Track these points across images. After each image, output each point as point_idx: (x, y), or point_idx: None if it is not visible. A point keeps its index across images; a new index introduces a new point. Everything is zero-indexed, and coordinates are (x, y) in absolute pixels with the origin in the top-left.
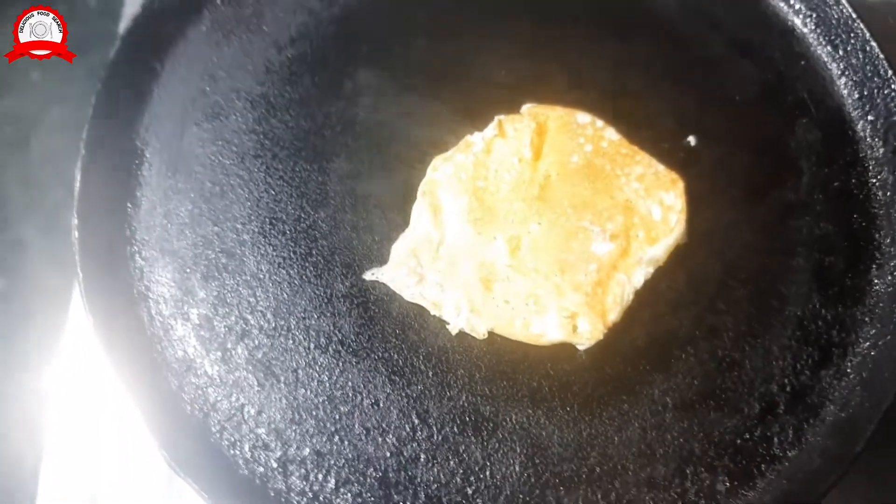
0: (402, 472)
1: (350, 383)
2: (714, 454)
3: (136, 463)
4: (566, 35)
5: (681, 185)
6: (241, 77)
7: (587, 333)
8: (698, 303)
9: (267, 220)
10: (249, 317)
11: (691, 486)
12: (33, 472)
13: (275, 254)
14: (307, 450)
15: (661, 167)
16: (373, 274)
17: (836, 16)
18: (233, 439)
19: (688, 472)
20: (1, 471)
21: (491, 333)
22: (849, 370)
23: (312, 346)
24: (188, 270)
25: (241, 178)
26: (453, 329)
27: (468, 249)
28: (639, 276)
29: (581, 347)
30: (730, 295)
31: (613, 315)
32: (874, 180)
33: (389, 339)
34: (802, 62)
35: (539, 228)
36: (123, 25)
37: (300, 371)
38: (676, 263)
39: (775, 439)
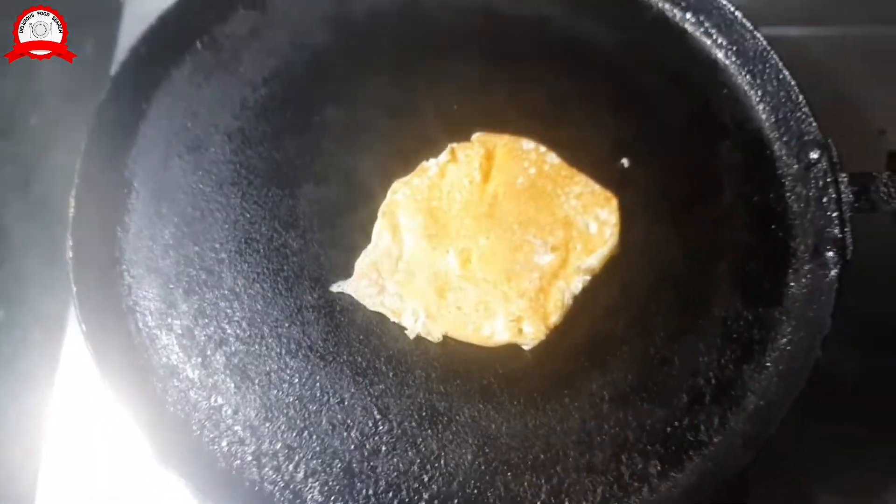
0: (365, 463)
1: (318, 384)
2: (647, 441)
3: (130, 466)
4: (513, 72)
5: (615, 202)
6: (220, 113)
7: (531, 334)
8: (632, 307)
9: (243, 240)
10: (227, 326)
11: (626, 470)
12: (31, 485)
13: (250, 270)
14: (279, 444)
15: (597, 187)
16: (338, 286)
17: (752, 48)
18: (212, 436)
19: (623, 457)
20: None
21: (445, 337)
22: (768, 363)
23: (284, 351)
24: (171, 286)
25: (220, 203)
26: (411, 334)
27: (424, 262)
28: (577, 283)
29: (526, 347)
30: (660, 299)
31: (555, 318)
32: (790, 194)
33: (354, 344)
34: (725, 90)
35: (487, 242)
36: (114, 69)
37: (273, 374)
38: (611, 272)
39: (702, 427)
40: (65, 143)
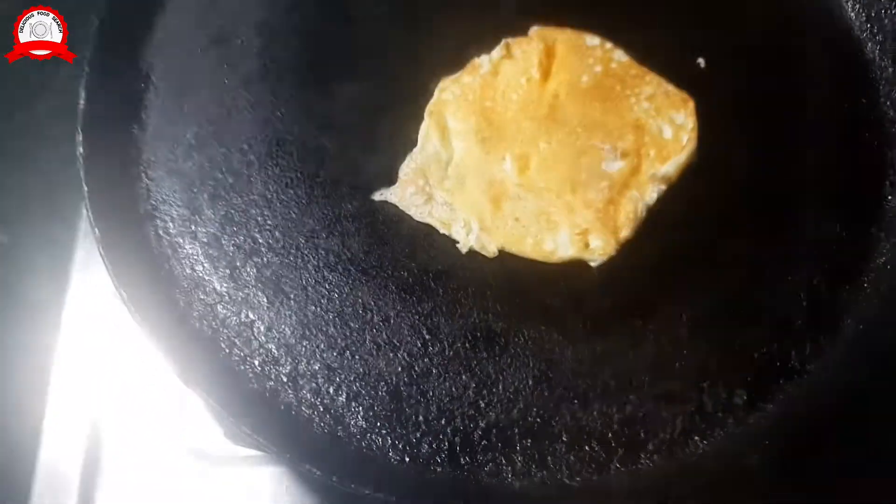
0: (414, 387)
1: (360, 300)
2: (731, 369)
3: (148, 389)
4: None
5: (691, 104)
6: (249, 3)
7: (599, 249)
8: (711, 220)
9: (274, 141)
10: (258, 235)
11: (708, 400)
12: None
13: (282, 174)
14: (318, 365)
15: (671, 87)
16: (381, 194)
17: None
18: (242, 354)
19: (704, 386)
20: (6, 424)
21: (501, 251)
22: (865, 285)
23: (322, 264)
24: (195, 190)
25: (248, 100)
26: (463, 247)
27: (476, 168)
28: (651, 193)
29: (593, 264)
30: (743, 212)
31: (626, 231)
32: (884, 100)
33: (399, 258)
34: None
35: (548, 147)
36: None
37: (310, 289)
38: (688, 182)
39: (793, 353)
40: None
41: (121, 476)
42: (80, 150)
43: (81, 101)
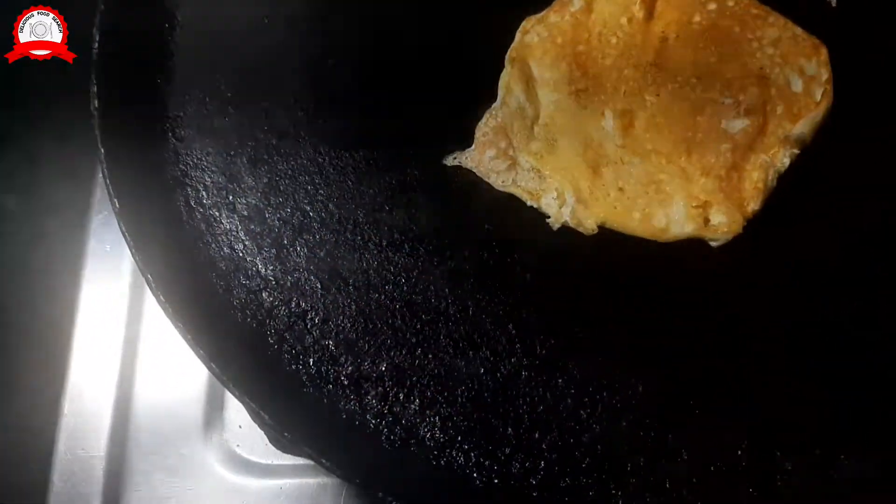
0: (500, 393)
1: (432, 287)
2: None
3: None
4: None
5: (824, 51)
6: None
7: (723, 226)
8: (853, 187)
9: (326, 92)
10: (308, 208)
11: None
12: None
13: (335, 134)
14: (384, 365)
15: (799, 31)
16: (455, 158)
17: None
18: (294, 352)
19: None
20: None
21: (601, 228)
22: None
23: (385, 243)
24: (232, 153)
25: (294, 42)
26: (555, 223)
27: (570, 126)
28: (783, 157)
29: (715, 244)
30: (891, 182)
31: (754, 204)
32: None
33: (477, 236)
34: None
35: (657, 101)
36: None
37: (371, 272)
38: (824, 143)
39: None
40: None
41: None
42: (95, 104)
43: (95, 45)
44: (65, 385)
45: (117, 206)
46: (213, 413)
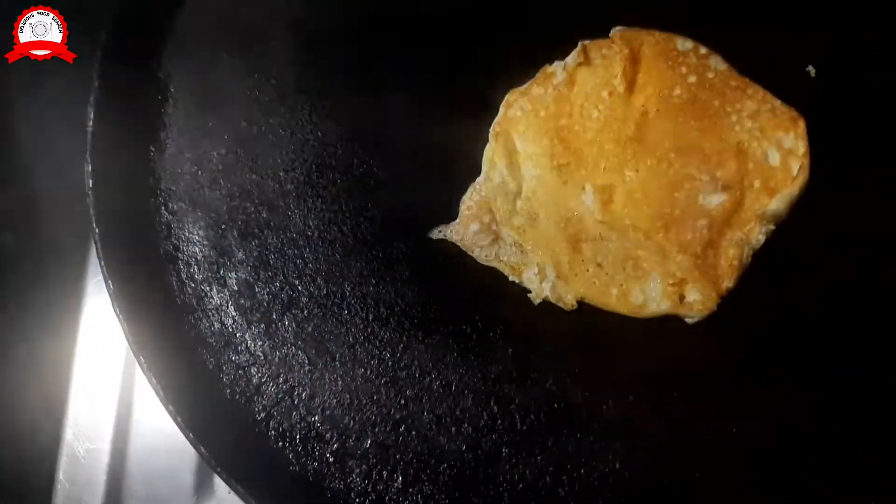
0: (481, 470)
1: (416, 362)
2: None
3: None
4: None
5: (802, 124)
6: None
7: (698, 304)
8: (827, 264)
9: (314, 166)
10: (297, 282)
11: None
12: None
13: (324, 207)
14: (369, 441)
15: (778, 103)
16: (440, 232)
17: None
18: (281, 429)
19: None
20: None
21: (581, 303)
22: None
23: (371, 317)
24: (223, 227)
25: (283, 116)
26: (536, 298)
27: (551, 201)
28: (759, 234)
29: (690, 321)
30: (866, 258)
31: (728, 282)
32: None
33: (461, 309)
34: None
35: (636, 176)
36: None
37: (358, 347)
38: (799, 219)
39: None
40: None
41: None
42: (90, 181)
43: (90, 123)
44: (60, 446)
45: (112, 288)
46: (203, 479)
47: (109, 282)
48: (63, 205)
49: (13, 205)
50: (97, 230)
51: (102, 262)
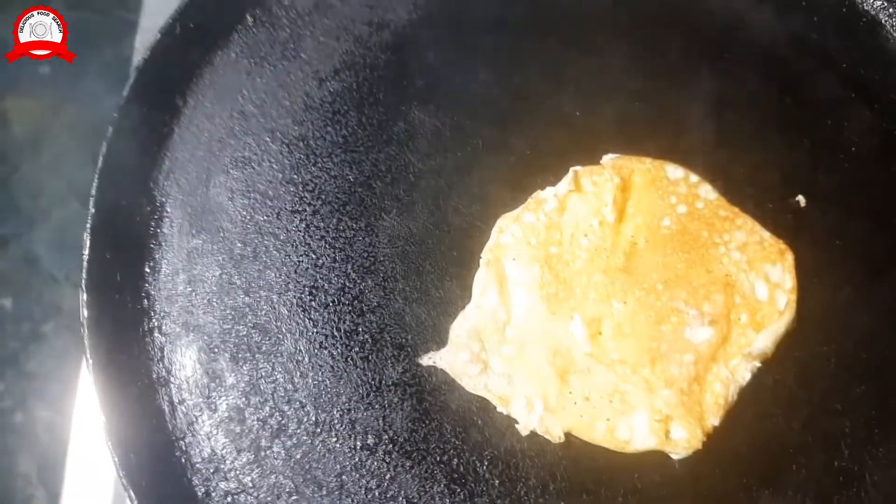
0: None
1: (403, 492)
2: None
3: None
4: (656, 70)
5: (790, 257)
6: (276, 114)
7: (683, 441)
8: (810, 402)
9: (307, 289)
10: (286, 408)
11: None
12: None
13: (315, 331)
14: None
15: (766, 234)
16: (430, 358)
17: None
18: None
19: None
20: None
21: (568, 436)
22: None
23: (359, 445)
24: (216, 350)
25: (277, 237)
26: (523, 429)
27: (540, 332)
28: (743, 370)
29: (675, 457)
30: (846, 392)
31: (714, 419)
32: None
33: (448, 438)
34: None
35: (624, 308)
36: (138, 45)
37: (345, 476)
38: (784, 353)
39: None
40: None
41: None
42: (85, 312)
43: (86, 251)
44: None
45: (104, 419)
46: None
47: (103, 408)
48: (61, 267)
49: (12, 268)
50: (91, 359)
51: (96, 389)
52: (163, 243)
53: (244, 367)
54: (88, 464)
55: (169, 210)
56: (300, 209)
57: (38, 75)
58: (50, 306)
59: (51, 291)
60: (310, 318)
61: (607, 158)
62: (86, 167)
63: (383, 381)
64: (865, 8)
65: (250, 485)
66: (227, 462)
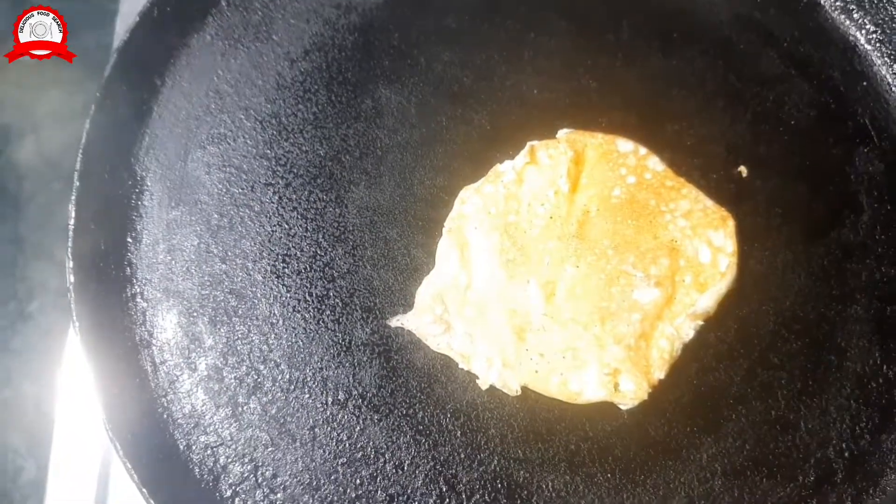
0: None
1: (371, 443)
2: None
3: None
4: (604, 48)
5: (731, 223)
6: (250, 93)
7: (630, 393)
8: (750, 356)
9: (280, 256)
10: (262, 367)
11: None
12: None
13: (289, 295)
14: None
15: (709, 202)
16: (397, 320)
17: None
18: None
19: None
20: None
21: (524, 389)
22: None
23: (330, 400)
24: (195, 314)
25: (252, 209)
26: (483, 384)
27: (499, 295)
28: (687, 328)
29: (623, 408)
30: (784, 347)
31: (659, 373)
32: None
33: (414, 393)
34: (864, 83)
35: (576, 272)
36: (119, 30)
37: (318, 429)
38: (726, 311)
39: None
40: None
41: None
42: (71, 277)
43: (71, 221)
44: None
45: (92, 378)
46: None
47: (90, 366)
48: (47, 250)
49: None
50: (77, 322)
51: (83, 349)
52: (143, 215)
53: (222, 330)
54: (75, 436)
55: (149, 184)
56: (273, 182)
57: (21, 64)
58: (35, 285)
59: (36, 271)
60: (283, 284)
61: (562, 133)
62: (68, 151)
63: (353, 342)
64: None
65: (229, 438)
66: (207, 417)
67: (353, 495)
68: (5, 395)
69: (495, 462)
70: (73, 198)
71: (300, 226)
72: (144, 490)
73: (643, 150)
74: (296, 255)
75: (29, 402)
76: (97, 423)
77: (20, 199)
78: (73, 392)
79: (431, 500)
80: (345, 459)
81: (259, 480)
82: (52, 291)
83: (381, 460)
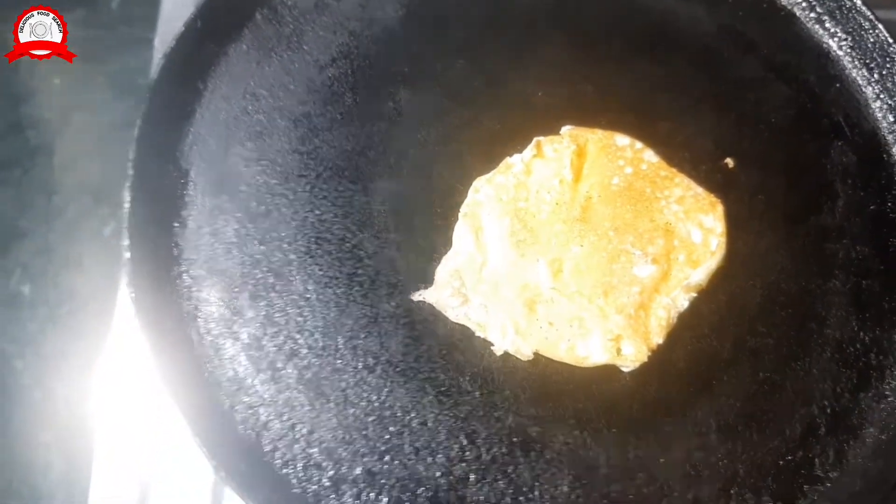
0: (453, 492)
1: (398, 403)
2: (757, 475)
3: (186, 479)
4: (600, 57)
5: (720, 208)
6: (283, 96)
7: (631, 356)
8: (739, 325)
9: (312, 239)
10: (298, 336)
11: None
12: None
13: (321, 273)
14: (359, 469)
15: (700, 190)
16: (420, 294)
17: (871, 39)
18: (285, 458)
19: (732, 492)
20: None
21: (536, 355)
22: (887, 393)
23: (361, 365)
24: (236, 290)
25: (286, 197)
26: (498, 350)
27: (511, 271)
28: (682, 300)
29: (625, 370)
30: (770, 318)
31: (657, 338)
32: None
33: (436, 359)
34: (837, 85)
35: (581, 251)
36: (160, 40)
37: (349, 391)
38: (716, 285)
39: (817, 461)
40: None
41: None
42: (127, 253)
43: (127, 204)
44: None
45: (146, 339)
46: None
47: (145, 334)
48: (79, 256)
49: (30, 256)
50: (133, 293)
51: (138, 319)
52: (188, 203)
53: (261, 304)
54: (107, 437)
55: (193, 176)
56: (305, 174)
57: (51, 86)
58: (65, 291)
59: (66, 278)
60: (316, 263)
61: (565, 129)
62: (95, 168)
63: (380, 314)
64: (783, 3)
65: (269, 399)
66: (248, 381)
67: (383, 448)
68: (37, 396)
69: (510, 419)
70: (129, 185)
71: (330, 212)
72: (198, 438)
73: (639, 145)
74: (327, 238)
75: (60, 403)
76: (135, 421)
77: (50, 213)
78: (103, 393)
79: (453, 453)
80: (374, 417)
81: (297, 436)
82: (80, 298)
83: (408, 418)
